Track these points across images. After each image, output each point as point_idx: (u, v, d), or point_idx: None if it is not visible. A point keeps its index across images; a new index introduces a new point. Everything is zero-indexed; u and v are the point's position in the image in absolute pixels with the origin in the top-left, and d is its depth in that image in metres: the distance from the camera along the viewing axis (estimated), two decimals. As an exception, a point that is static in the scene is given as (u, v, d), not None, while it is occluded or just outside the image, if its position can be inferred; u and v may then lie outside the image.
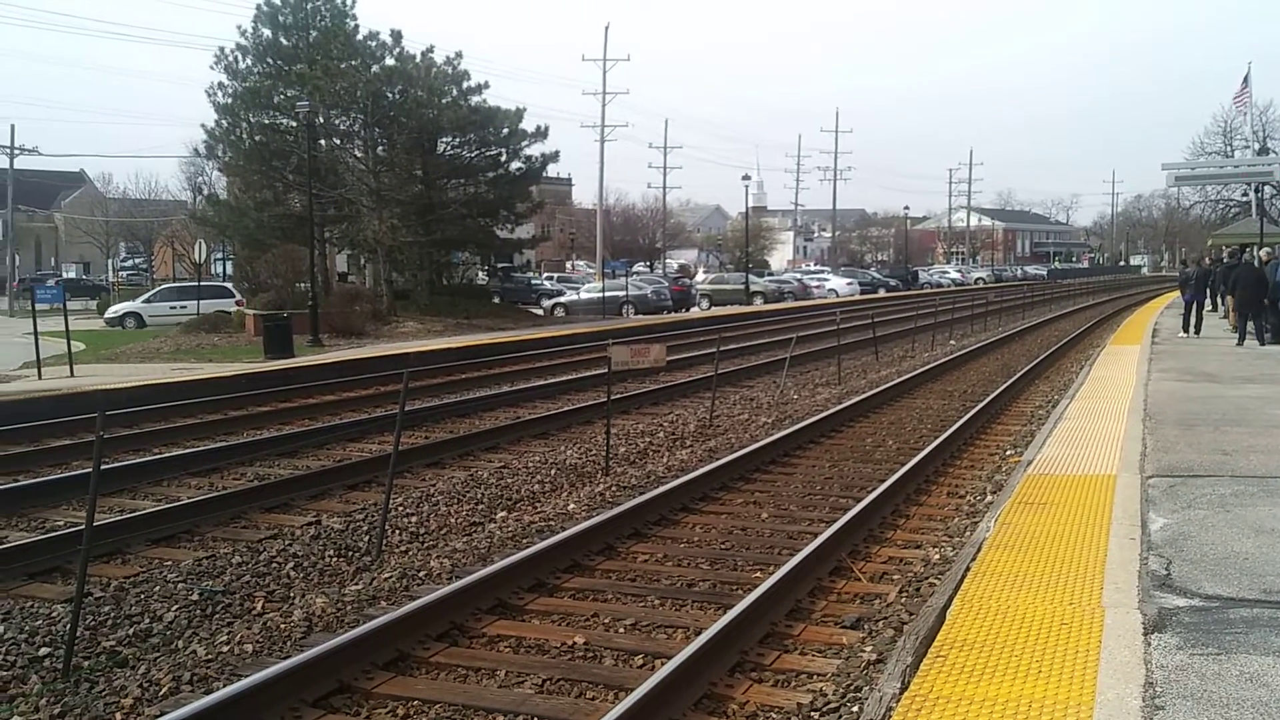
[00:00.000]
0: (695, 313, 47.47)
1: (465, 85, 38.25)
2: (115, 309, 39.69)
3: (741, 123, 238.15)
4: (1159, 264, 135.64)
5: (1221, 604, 5.36)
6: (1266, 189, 39.03)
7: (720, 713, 5.33)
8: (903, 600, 6.85)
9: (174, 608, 7.11)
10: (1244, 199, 48.46)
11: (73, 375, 19.78)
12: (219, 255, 56.09)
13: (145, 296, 42.10)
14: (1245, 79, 39.76)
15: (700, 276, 68.74)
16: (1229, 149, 56.58)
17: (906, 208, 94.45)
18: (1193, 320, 25.21)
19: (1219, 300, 29.61)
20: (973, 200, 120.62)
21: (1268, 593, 5.51)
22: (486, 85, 38.70)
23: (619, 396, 16.16)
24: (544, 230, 60.29)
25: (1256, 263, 23.37)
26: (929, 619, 5.51)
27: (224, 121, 38.28)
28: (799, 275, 71.50)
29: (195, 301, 38.52)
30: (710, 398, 15.56)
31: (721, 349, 17.29)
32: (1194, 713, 4.05)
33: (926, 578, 7.28)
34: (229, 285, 43.48)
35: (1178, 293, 40.25)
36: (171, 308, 38.98)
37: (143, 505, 10.09)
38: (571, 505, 9.88)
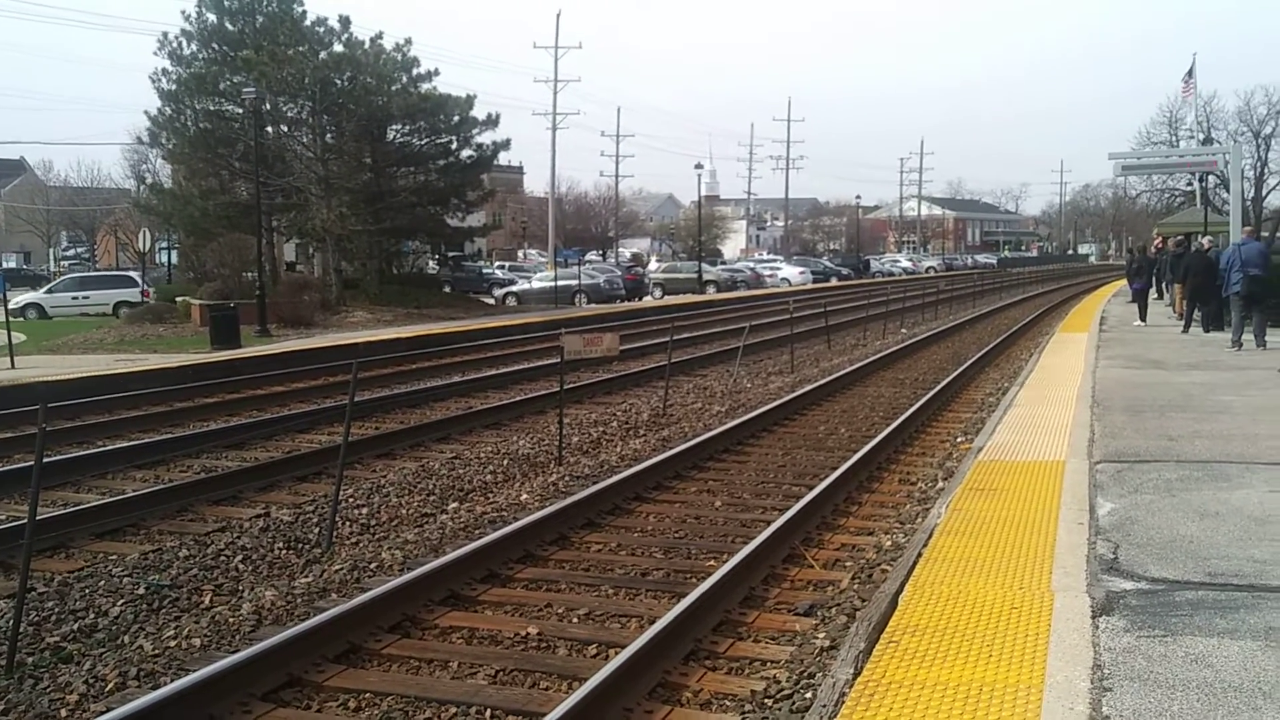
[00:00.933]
0: (648, 302, 47.51)
1: (415, 72, 37.97)
2: (17, 300, 38.99)
3: (694, 112, 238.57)
4: (1106, 253, 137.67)
5: (1167, 587, 5.44)
6: (1210, 178, 39.68)
7: (674, 701, 5.32)
8: (855, 587, 6.89)
9: (120, 602, 6.99)
10: (1188, 188, 49.27)
11: (14, 367, 19.40)
12: (163, 244, 55.28)
13: (47, 287, 41.44)
14: (1190, 71, 40.40)
15: (653, 265, 68.81)
16: (1174, 139, 57.52)
17: (858, 197, 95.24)
18: (1145, 307, 25.73)
19: (1164, 288, 30.09)
20: (924, 189, 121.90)
21: (1212, 575, 5.59)
22: (436, 72, 38.55)
23: (572, 386, 16.13)
24: (495, 219, 60.14)
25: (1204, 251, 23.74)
26: (881, 605, 5.54)
27: (168, 108, 37.64)
28: (752, 264, 71.81)
29: (97, 292, 38.06)
30: (664, 386, 15.57)
31: (675, 338, 17.31)
32: (1141, 694, 4.11)
33: (879, 564, 7.33)
34: (134, 275, 42.95)
35: (1124, 281, 40.85)
36: (74, 298, 38.44)
37: (87, 499, 9.92)
38: (524, 495, 9.84)
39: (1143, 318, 25.21)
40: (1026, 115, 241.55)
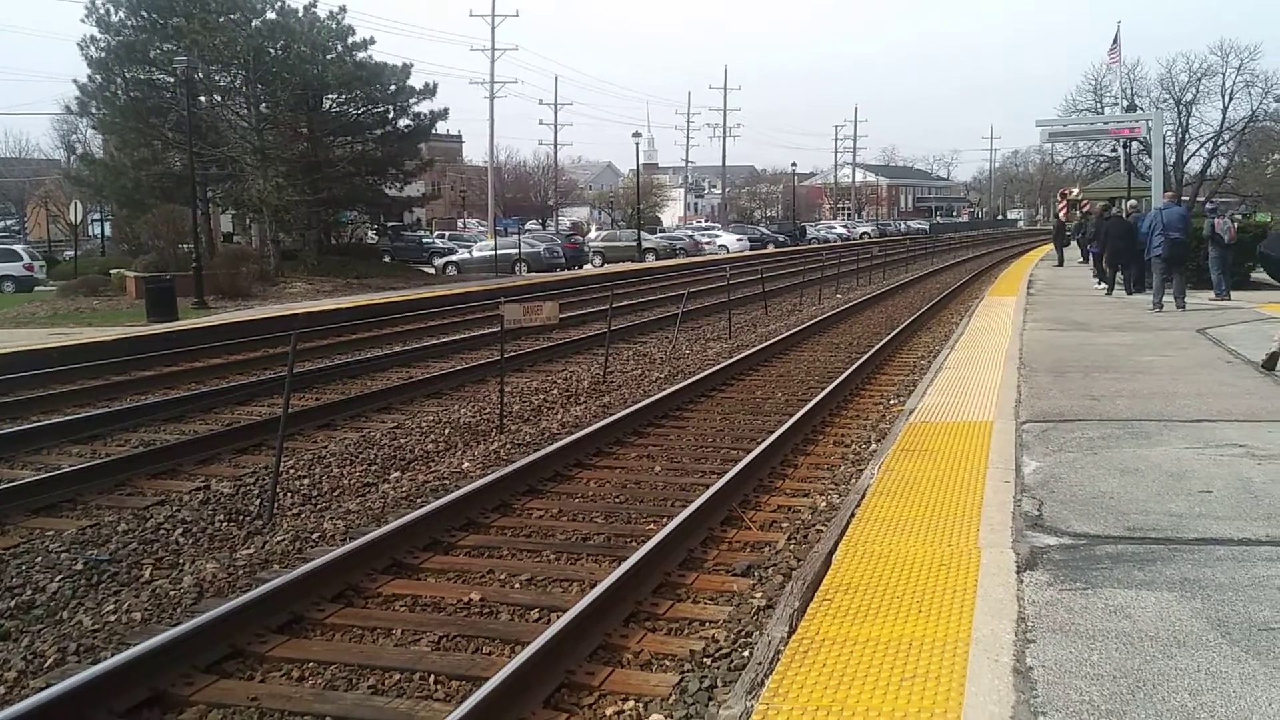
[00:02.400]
0: (588, 270, 47.45)
1: (350, 41, 37.49)
2: None
3: (632, 81, 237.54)
4: (1034, 218, 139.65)
5: (1089, 541, 5.62)
6: (1133, 145, 40.38)
7: (615, 662, 5.41)
8: (791, 547, 7.02)
9: (58, 578, 6.94)
10: (1113, 154, 50.08)
11: (-60, 343, 19.01)
12: (96, 216, 54.18)
13: None
14: (1115, 38, 41.00)
15: (593, 234, 68.69)
16: (1099, 107, 58.38)
17: (794, 164, 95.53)
18: (1112, 275, 23.31)
19: (1088, 252, 30.66)
20: (858, 157, 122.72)
21: (1131, 530, 5.79)
22: (372, 41, 38.13)
23: (512, 354, 16.14)
24: (434, 188, 59.70)
25: (1124, 215, 24.25)
26: (816, 564, 5.66)
27: (97, 77, 36.78)
28: (690, 232, 71.96)
29: None
30: (604, 354, 15.64)
31: (614, 305, 17.36)
32: (1063, 644, 4.25)
33: (814, 525, 7.47)
34: (20, 249, 41.98)
35: (1051, 245, 41.53)
36: None
37: (21, 475, 9.77)
38: (466, 464, 9.87)
39: (1113, 287, 23.09)
40: (959, 88, 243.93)
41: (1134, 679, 3.94)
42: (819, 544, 6.30)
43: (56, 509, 8.72)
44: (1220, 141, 61.34)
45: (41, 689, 5.15)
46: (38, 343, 18.66)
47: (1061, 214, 33.27)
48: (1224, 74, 59.22)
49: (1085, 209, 28.65)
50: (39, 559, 7.32)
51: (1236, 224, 21.57)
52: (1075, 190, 52.48)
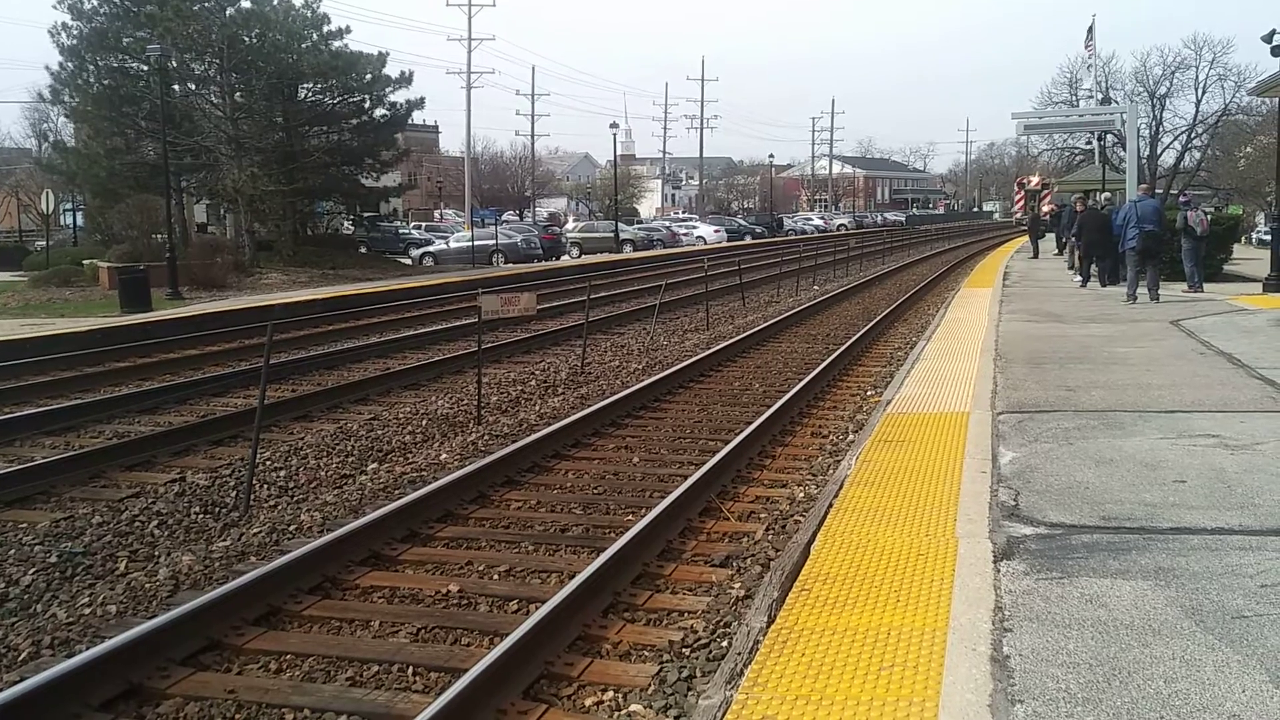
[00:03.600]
0: (566, 261, 47.35)
1: (325, 29, 37.27)
2: None
3: (610, 71, 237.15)
4: (1010, 210, 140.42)
5: (1064, 531, 5.65)
6: (1108, 137, 40.63)
7: (594, 653, 5.41)
8: (769, 538, 7.04)
9: (31, 571, 6.89)
10: (1087, 147, 50.40)
11: (-89, 334, 18.80)
12: (68, 206, 53.66)
13: None
14: (1090, 31, 41.23)
15: (570, 225, 68.56)
16: (1074, 99, 58.60)
17: (771, 156, 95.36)
18: (1092, 269, 22.66)
19: (1064, 244, 30.88)
20: (835, 149, 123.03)
21: (1106, 519, 5.82)
22: (348, 30, 37.87)
23: (490, 346, 16.11)
24: (411, 179, 59.45)
25: (1100, 208, 24.39)
26: (794, 554, 5.67)
27: (69, 64, 36.37)
28: (668, 223, 71.88)
29: None
30: (581, 345, 15.62)
31: (592, 296, 17.33)
32: (1039, 633, 4.28)
33: (792, 515, 7.49)
34: None
35: (1026, 237, 41.79)
36: None
37: (-6, 467, 9.71)
38: (444, 455, 9.85)
39: (1085, 275, 22.78)
40: (936, 80, 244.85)
41: (1110, 667, 3.97)
42: (797, 534, 6.32)
43: (30, 501, 8.66)
44: (1193, 134, 61.77)
45: (15, 683, 5.10)
46: (10, 334, 18.50)
47: (1018, 206, 33.47)
48: (1197, 67, 59.64)
49: (1046, 200, 28.73)
50: (12, 551, 7.27)
51: (1209, 216, 21.75)
52: (1034, 179, 52.72)
